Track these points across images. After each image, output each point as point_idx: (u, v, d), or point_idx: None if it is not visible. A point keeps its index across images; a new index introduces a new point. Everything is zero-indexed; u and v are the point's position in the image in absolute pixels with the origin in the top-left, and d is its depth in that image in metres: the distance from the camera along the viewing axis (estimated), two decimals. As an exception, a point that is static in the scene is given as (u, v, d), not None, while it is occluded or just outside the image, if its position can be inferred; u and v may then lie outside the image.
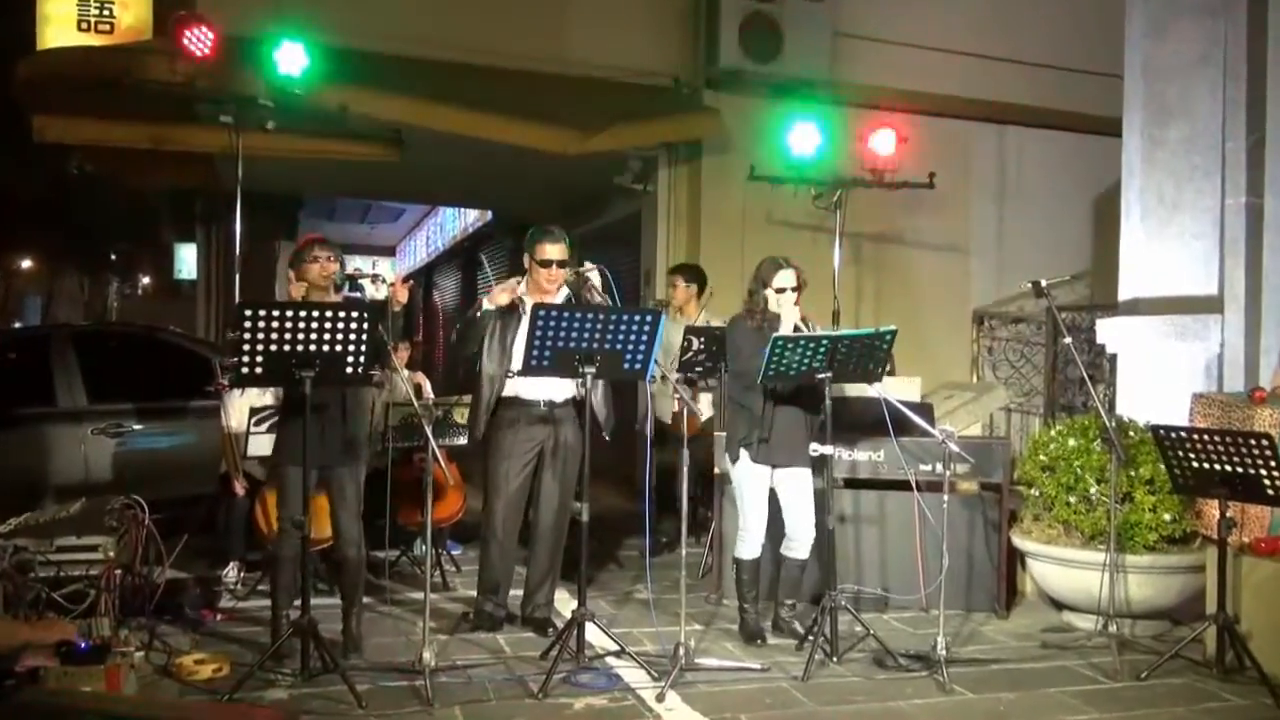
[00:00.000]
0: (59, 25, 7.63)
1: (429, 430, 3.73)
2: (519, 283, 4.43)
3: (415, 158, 8.30)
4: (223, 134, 6.24)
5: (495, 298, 4.34)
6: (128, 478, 5.63)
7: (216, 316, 13.34)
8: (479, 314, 4.36)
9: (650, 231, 8.52)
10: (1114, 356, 5.81)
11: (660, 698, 3.72)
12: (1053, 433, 4.97)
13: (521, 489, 4.45)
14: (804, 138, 6.68)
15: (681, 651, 3.89)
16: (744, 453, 4.37)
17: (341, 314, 3.67)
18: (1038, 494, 4.85)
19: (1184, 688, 4.01)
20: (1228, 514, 4.04)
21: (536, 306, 3.95)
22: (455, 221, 16.04)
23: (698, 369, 5.79)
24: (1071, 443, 4.76)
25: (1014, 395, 7.48)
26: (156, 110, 7.06)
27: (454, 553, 5.87)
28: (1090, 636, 4.49)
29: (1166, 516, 4.55)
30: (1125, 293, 5.69)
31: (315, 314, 3.64)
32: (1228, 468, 3.97)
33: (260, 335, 3.60)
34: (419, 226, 19.77)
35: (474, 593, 4.92)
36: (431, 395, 5.80)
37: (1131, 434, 4.72)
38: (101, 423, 5.89)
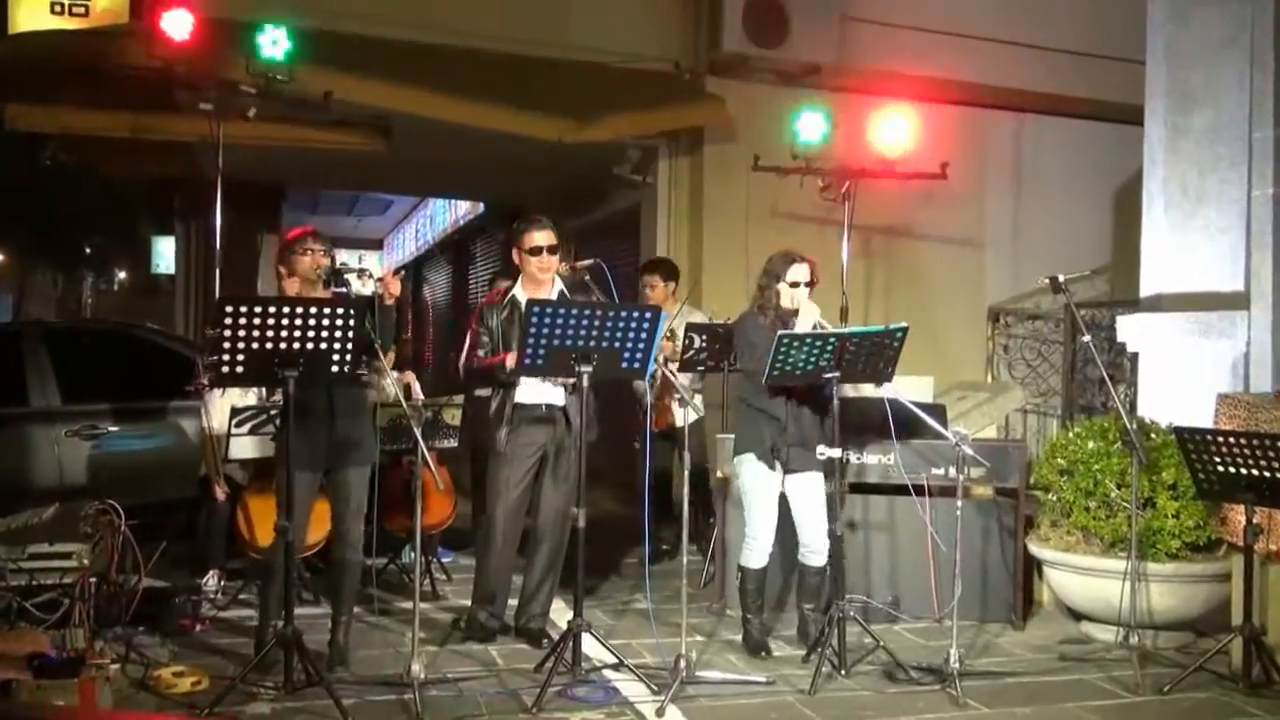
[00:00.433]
0: (31, 8, 7.61)
1: (418, 432, 3.73)
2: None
3: (403, 147, 8.29)
4: (202, 122, 6.23)
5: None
6: (103, 482, 5.63)
7: (196, 313, 13.31)
8: (506, 372, 4.30)
9: (650, 225, 8.51)
10: (1135, 355, 5.81)
11: (660, 712, 3.72)
12: (1071, 435, 4.97)
13: (523, 495, 4.46)
14: (811, 126, 6.67)
15: (682, 664, 3.89)
16: (754, 457, 4.36)
17: (326, 310, 3.67)
18: (1055, 499, 4.85)
19: (1208, 702, 4.01)
20: (1254, 520, 4.04)
21: (530, 303, 3.95)
22: (445, 214, 16.04)
23: (699, 368, 5.80)
24: (1091, 445, 4.76)
25: (1030, 396, 7.47)
26: (133, 97, 7.05)
27: (444, 560, 5.87)
28: (1110, 648, 4.49)
29: (1190, 523, 4.55)
30: (1147, 288, 5.69)
31: (299, 310, 3.64)
32: (1254, 471, 3.97)
33: (241, 332, 3.60)
34: (407, 219, 19.77)
35: (465, 601, 4.91)
36: (421, 396, 5.80)
37: (1153, 436, 4.72)
38: (76, 424, 5.89)
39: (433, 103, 7.13)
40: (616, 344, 3.93)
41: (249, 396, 4.94)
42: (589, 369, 3.92)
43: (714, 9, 7.86)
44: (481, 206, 13.66)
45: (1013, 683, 4.18)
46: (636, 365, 4.00)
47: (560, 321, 3.86)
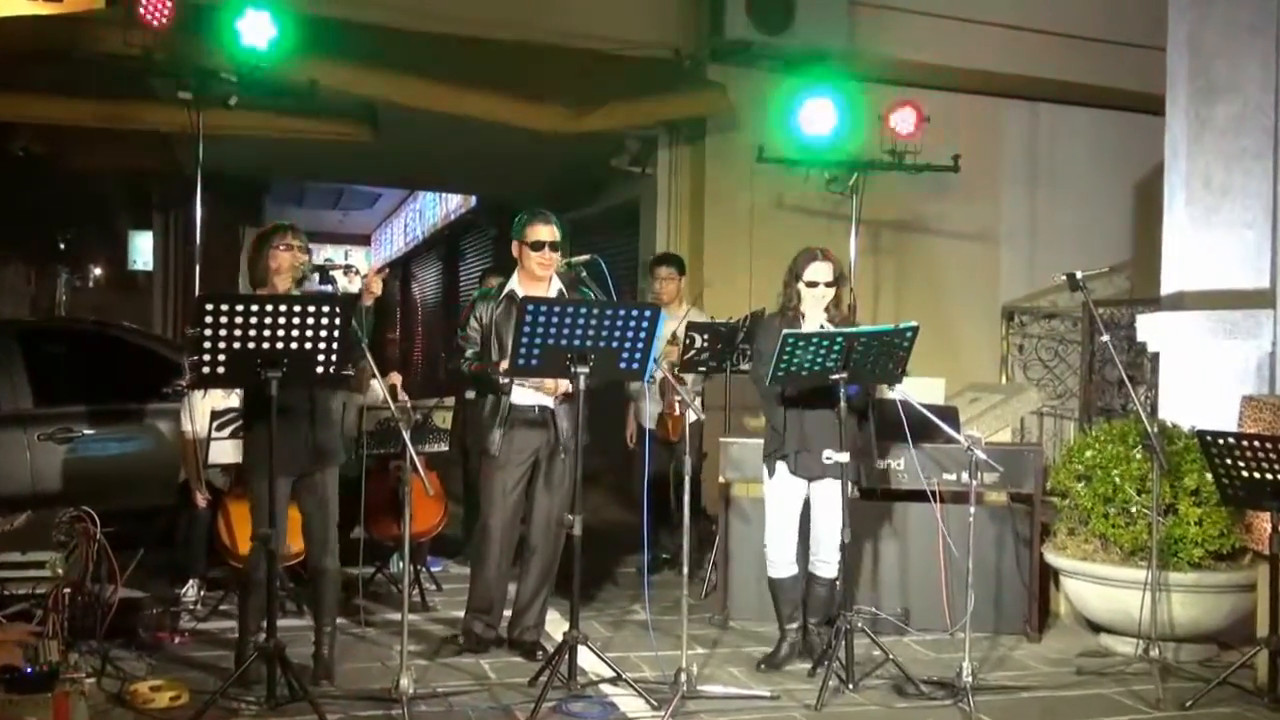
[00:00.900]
0: (2, -8, 7.61)
1: (406, 436, 3.73)
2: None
3: (392, 137, 8.29)
4: (181, 111, 6.23)
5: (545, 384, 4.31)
6: (78, 487, 5.62)
7: (175, 311, 13.33)
8: (500, 379, 4.30)
9: (649, 218, 8.52)
10: (1156, 356, 5.81)
11: (660, 728, 3.73)
12: (1089, 439, 4.97)
13: (519, 501, 4.46)
14: (817, 116, 6.68)
15: (683, 678, 3.90)
16: (781, 466, 4.36)
17: (311, 308, 3.67)
18: (1073, 506, 4.86)
19: (1232, 718, 4.02)
20: (1280, 527, 4.04)
21: (525, 300, 3.96)
22: (436, 208, 16.04)
23: (700, 369, 5.80)
24: (1110, 449, 4.77)
25: (1047, 398, 7.48)
26: (109, 85, 7.05)
27: (434, 569, 5.88)
28: (1130, 662, 4.49)
29: (1214, 530, 4.56)
30: (1169, 286, 5.69)
31: (283, 308, 3.64)
32: (1280, 477, 3.97)
33: (223, 331, 3.60)
34: (396, 213, 19.77)
35: (456, 613, 4.91)
36: (406, 397, 5.80)
37: (1175, 440, 4.72)
38: (49, 427, 5.88)
39: (423, 91, 7.13)
40: (614, 344, 3.94)
41: (231, 398, 4.94)
42: (585, 370, 3.92)
43: (717, -6, 7.86)
44: (474, 200, 13.66)
45: (1028, 698, 4.19)
46: (635, 366, 4.00)
47: (556, 320, 3.86)
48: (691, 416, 4.18)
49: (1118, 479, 4.68)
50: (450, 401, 5.52)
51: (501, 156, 9.16)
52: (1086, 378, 7.12)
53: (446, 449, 5.52)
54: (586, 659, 4.14)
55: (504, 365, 4.21)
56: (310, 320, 3.67)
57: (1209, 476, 4.31)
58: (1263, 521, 4.39)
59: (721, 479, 5.12)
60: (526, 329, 3.85)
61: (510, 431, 4.39)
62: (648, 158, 8.46)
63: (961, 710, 3.94)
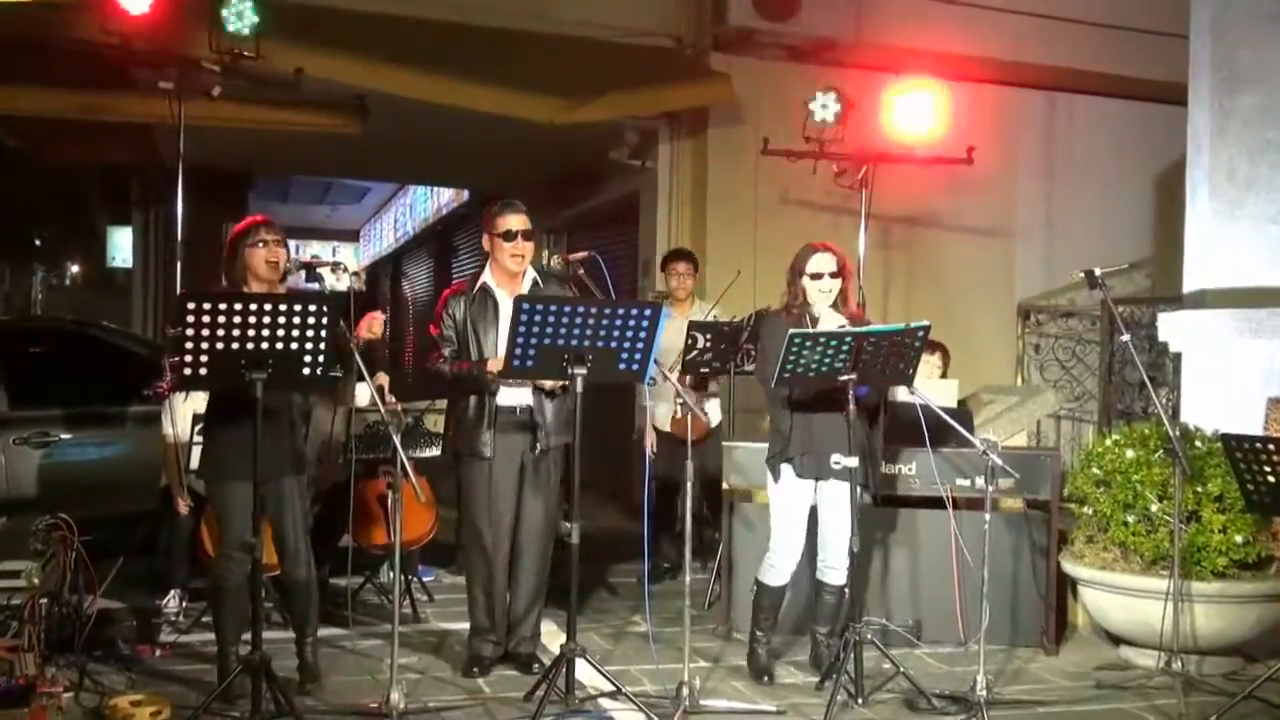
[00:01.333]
0: (-25, -21, 7.62)
1: (397, 440, 3.73)
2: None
3: (381, 129, 8.29)
4: (162, 102, 6.23)
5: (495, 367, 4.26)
6: (55, 494, 5.62)
7: (155, 310, 13.32)
8: (487, 376, 4.28)
9: (649, 214, 8.52)
10: (1178, 356, 5.81)
11: (661, 744, 3.73)
12: (1108, 443, 4.97)
13: (511, 508, 4.45)
14: (825, 107, 6.68)
15: (685, 692, 3.90)
16: (786, 468, 4.36)
17: (298, 307, 3.67)
18: (1091, 513, 4.86)
19: (1258, 733, 4.02)
20: (1307, 535, 4.05)
21: (519, 299, 3.95)
22: (427, 202, 16.05)
23: (703, 369, 5.79)
24: (1130, 454, 4.77)
25: (1064, 400, 7.49)
26: (87, 76, 7.04)
27: (425, 579, 5.87)
28: (1151, 675, 4.49)
29: (1238, 538, 4.55)
30: (1191, 283, 5.69)
31: (268, 307, 3.64)
32: (1307, 482, 3.97)
33: (205, 331, 3.60)
34: (386, 208, 19.78)
35: (448, 624, 4.92)
36: (394, 399, 5.79)
37: (1198, 444, 4.72)
38: (24, 431, 5.88)
39: (413, 81, 7.13)
40: (613, 343, 3.94)
41: (213, 401, 4.94)
42: (583, 371, 3.92)
43: (720, -21, 7.87)
44: (466, 194, 13.67)
45: (1045, 712, 4.18)
46: (635, 367, 4.00)
47: (552, 319, 3.86)
48: (658, 419, 4.17)
49: (1138, 485, 4.68)
50: (443, 404, 5.51)
51: (495, 149, 9.16)
52: (1106, 379, 7.12)
53: (439, 453, 5.52)
54: (585, 672, 4.13)
55: (493, 365, 4.21)
56: (297, 320, 3.67)
57: (1233, 482, 4.30)
58: (1289, 529, 4.41)
59: (725, 484, 5.11)
60: (521, 328, 3.85)
61: (498, 434, 4.38)
62: (647, 150, 8.46)
63: (975, 726, 3.94)
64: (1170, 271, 6.42)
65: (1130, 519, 4.69)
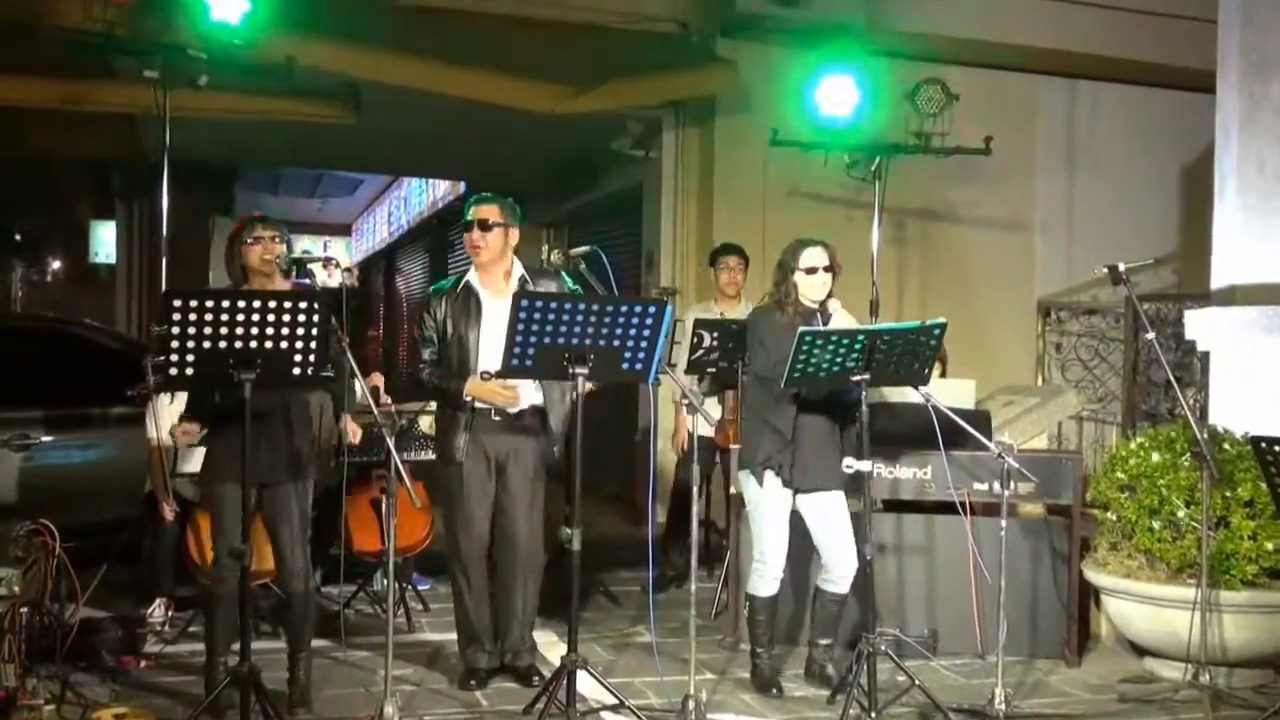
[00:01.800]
0: (-49, -37, 7.64)
1: (390, 442, 3.73)
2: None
3: (374, 119, 8.30)
4: (147, 92, 6.22)
5: (489, 396, 4.30)
6: (36, 499, 5.63)
7: (140, 307, 13.35)
8: (460, 399, 4.32)
9: (653, 207, 8.52)
10: (1206, 355, 5.81)
11: (666, 760, 3.73)
12: (1133, 445, 4.97)
13: (487, 513, 4.45)
14: (837, 95, 6.67)
15: (691, 705, 3.90)
16: (768, 474, 4.37)
17: (288, 304, 3.68)
18: (1115, 518, 4.85)
19: (1288, 748, 4.01)
20: (1341, 542, 4.04)
21: (518, 295, 3.95)
22: (422, 195, 16.06)
23: (710, 370, 5.79)
24: (1155, 457, 4.76)
25: (1087, 401, 7.47)
26: (69, 64, 7.06)
27: (420, 587, 5.88)
28: (1178, 688, 4.49)
29: (1269, 545, 4.55)
30: (1219, 279, 5.68)
31: (257, 304, 3.65)
32: (1341, 487, 3.96)
33: (191, 330, 3.60)
34: (379, 201, 19.79)
35: (445, 635, 4.92)
36: (388, 401, 5.80)
37: (1227, 447, 4.72)
38: (4, 433, 5.88)
39: (408, 69, 7.14)
40: (616, 342, 3.94)
41: (200, 402, 4.94)
42: (585, 370, 3.93)
43: (727, -38, 7.87)
44: (463, 187, 13.66)
45: (1066, 727, 4.19)
46: (639, 367, 4.00)
47: (552, 316, 3.86)
48: (704, 425, 4.17)
49: (1164, 489, 4.67)
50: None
51: (493, 140, 9.17)
52: (1130, 379, 7.11)
53: (434, 457, 5.52)
54: (586, 685, 4.13)
55: (485, 367, 4.22)
56: (286, 317, 3.67)
57: (1264, 486, 4.29)
58: (1322, 535, 4.40)
59: (733, 489, 5.12)
60: (520, 326, 3.85)
61: (476, 437, 4.39)
62: (651, 141, 8.46)
63: (994, 740, 3.94)
64: (1198, 267, 6.40)
65: (1156, 525, 4.69)
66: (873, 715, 4.12)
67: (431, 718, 4.08)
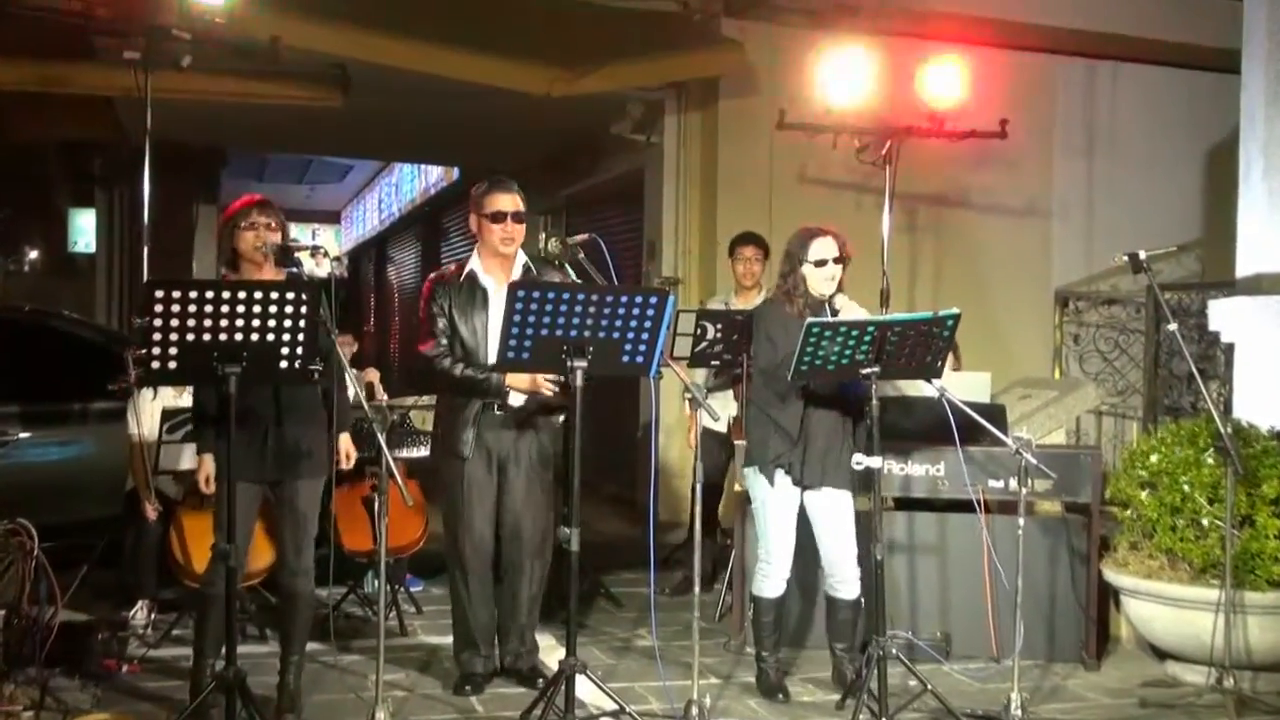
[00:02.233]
0: (-78, -61, 7.62)
1: (382, 439, 3.73)
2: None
3: (364, 103, 8.29)
4: (128, 74, 6.23)
5: (539, 385, 4.27)
6: (12, 497, 5.62)
7: (121, 298, 13.36)
8: (501, 393, 4.30)
9: (655, 193, 8.52)
10: (1230, 347, 5.80)
11: (669, 768, 3.74)
12: (1154, 441, 4.97)
13: (492, 511, 4.46)
14: (846, 77, 6.66)
15: (694, 711, 3.90)
16: (779, 473, 4.37)
17: (274, 295, 3.67)
18: (1135, 517, 4.85)
19: (1316, 755, 4.02)
20: (1370, 541, 4.04)
21: (514, 285, 3.95)
22: (414, 182, 16.06)
23: (714, 362, 5.79)
24: (1178, 453, 4.76)
25: (1106, 394, 7.47)
26: (46, 45, 7.04)
27: (414, 590, 5.89)
28: (1200, 693, 4.49)
29: (1295, 544, 4.55)
30: (1245, 267, 5.68)
31: (242, 295, 3.64)
32: (1371, 483, 3.97)
33: (174, 321, 3.60)
34: (369, 188, 19.80)
35: (438, 638, 4.93)
36: (385, 397, 5.80)
37: (1253, 443, 4.71)
38: (-21, 430, 5.90)
39: (399, 50, 7.12)
40: (616, 334, 3.93)
41: (184, 397, 4.95)
42: (584, 363, 3.92)
43: (731, -62, 7.86)
44: (456, 173, 13.67)
45: (1085, 733, 4.19)
46: (640, 359, 4.00)
47: (550, 307, 3.85)
48: (706, 420, 4.17)
49: (1187, 487, 4.67)
50: (430, 400, 5.51)
51: (488, 123, 9.16)
52: (1151, 372, 7.10)
53: (428, 454, 5.52)
54: (586, 690, 4.14)
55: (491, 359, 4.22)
56: (273, 309, 3.67)
57: (1290, 483, 4.30)
58: (1351, 534, 4.40)
59: (737, 487, 5.11)
60: (516, 318, 3.85)
61: (482, 432, 4.39)
62: (653, 124, 8.45)
63: (1009, 747, 3.94)
64: (1222, 255, 6.40)
65: (1178, 523, 4.68)
66: (883, 721, 4.13)
67: (425, 724, 4.09)
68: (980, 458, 4.77)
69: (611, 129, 8.60)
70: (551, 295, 3.88)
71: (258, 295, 3.66)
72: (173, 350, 3.63)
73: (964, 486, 4.65)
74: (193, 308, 3.61)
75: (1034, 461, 4.07)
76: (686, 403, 5.82)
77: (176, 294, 3.61)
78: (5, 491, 5.75)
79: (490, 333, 4.31)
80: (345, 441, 4.29)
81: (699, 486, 4.07)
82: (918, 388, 4.64)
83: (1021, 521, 4.07)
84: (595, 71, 7.39)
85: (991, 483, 4.79)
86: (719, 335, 5.65)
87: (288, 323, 3.69)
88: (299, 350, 3.73)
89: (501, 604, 4.56)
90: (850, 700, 4.21)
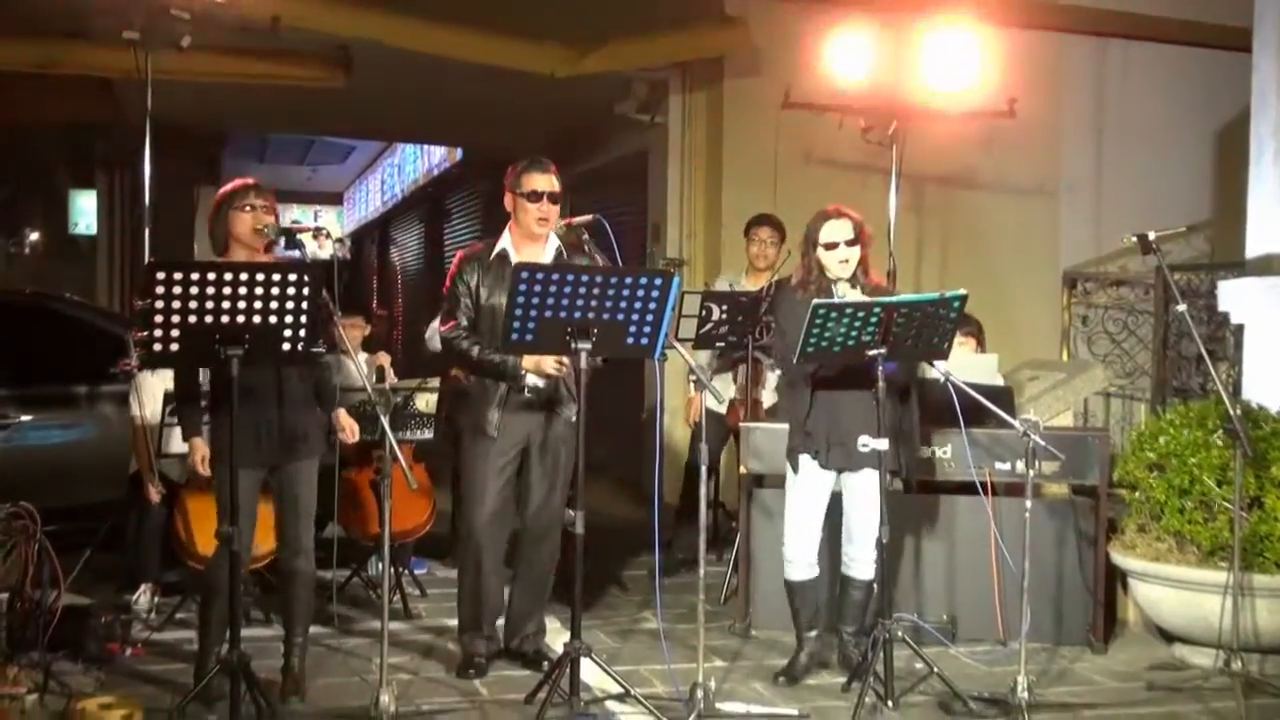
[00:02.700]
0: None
1: (385, 421, 3.74)
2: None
3: (366, 82, 8.27)
4: (127, 54, 6.21)
5: (542, 365, 4.26)
6: (15, 481, 5.64)
7: (122, 280, 13.36)
8: (517, 375, 4.29)
9: (659, 173, 8.50)
10: (1240, 328, 5.79)
11: (674, 750, 3.76)
12: (1163, 423, 4.96)
13: (506, 496, 4.47)
14: (852, 55, 6.62)
15: (699, 694, 3.91)
16: (807, 460, 4.36)
17: (276, 277, 3.67)
18: (1144, 499, 4.85)
19: (1324, 738, 4.03)
20: (1380, 523, 4.03)
21: (518, 267, 3.95)
22: (416, 162, 16.03)
23: (719, 345, 5.79)
24: (1186, 435, 4.76)
25: (1114, 376, 7.46)
26: (44, 24, 7.03)
27: (418, 572, 5.90)
28: (1208, 676, 4.49)
29: (1304, 526, 4.55)
30: (1255, 248, 5.66)
31: (244, 277, 3.64)
32: (1381, 466, 3.96)
33: (176, 303, 3.60)
34: (371, 169, 19.77)
35: (442, 620, 4.94)
36: (395, 380, 5.80)
37: (1262, 424, 4.71)
38: (-19, 413, 5.92)
39: (401, 29, 7.10)
40: (620, 316, 3.93)
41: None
42: (588, 345, 3.92)
43: (736, -86, 7.80)
44: (459, 154, 13.64)
45: (1092, 716, 4.19)
46: (645, 341, 4.00)
47: (554, 289, 3.85)
48: (711, 402, 4.17)
49: (1195, 469, 4.67)
50: (435, 382, 5.52)
51: (491, 104, 9.13)
52: (1160, 353, 7.09)
53: (431, 436, 5.53)
54: (591, 673, 4.15)
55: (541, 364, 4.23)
56: (275, 291, 3.67)
57: (1300, 465, 4.30)
58: (1361, 516, 4.39)
59: (743, 469, 5.12)
60: (520, 299, 3.85)
61: (507, 413, 4.39)
62: (657, 104, 8.42)
63: (1016, 730, 3.95)
64: (1232, 235, 6.37)
65: (1186, 506, 4.68)
66: (889, 704, 4.14)
67: (429, 707, 4.10)
68: (987, 440, 4.77)
69: (615, 109, 8.57)
70: (556, 277, 3.88)
71: (260, 277, 3.66)
72: (174, 332, 3.63)
73: (970, 469, 4.64)
74: (194, 290, 3.61)
75: (1041, 443, 4.06)
76: (691, 384, 5.81)
77: (178, 276, 3.62)
78: (8, 475, 5.78)
79: None
80: (343, 415, 4.26)
81: (704, 467, 4.07)
82: (925, 369, 4.63)
83: (1028, 504, 4.06)
84: (599, 51, 7.37)
85: (998, 465, 4.78)
86: (724, 317, 5.65)
87: (290, 305, 3.70)
88: (301, 332, 3.73)
89: (515, 585, 4.57)
90: (856, 683, 4.22)
